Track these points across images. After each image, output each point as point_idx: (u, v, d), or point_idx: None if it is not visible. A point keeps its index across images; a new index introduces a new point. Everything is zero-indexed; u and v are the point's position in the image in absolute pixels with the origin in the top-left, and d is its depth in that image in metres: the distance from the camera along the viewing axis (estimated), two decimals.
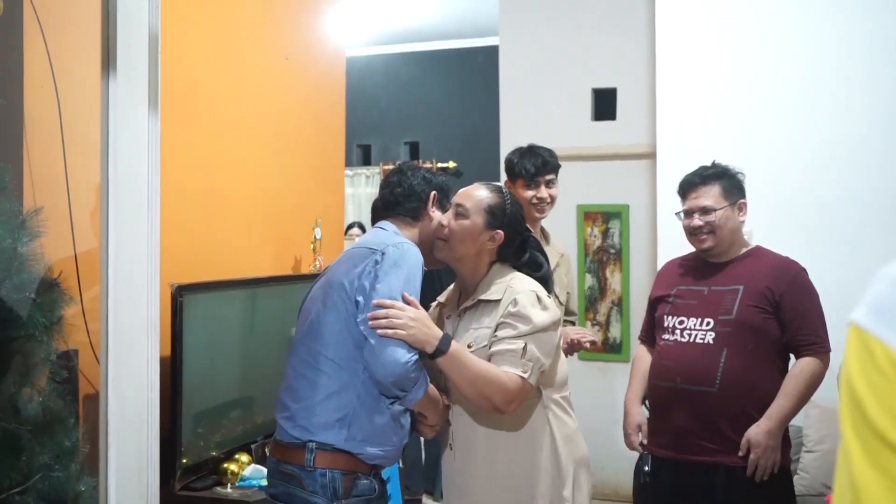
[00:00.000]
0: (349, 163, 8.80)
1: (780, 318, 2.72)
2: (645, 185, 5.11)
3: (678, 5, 4.53)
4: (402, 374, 2.11)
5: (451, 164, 8.61)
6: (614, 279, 5.27)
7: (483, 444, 2.27)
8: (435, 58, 8.62)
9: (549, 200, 3.18)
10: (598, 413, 4.82)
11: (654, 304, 3.01)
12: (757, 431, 2.66)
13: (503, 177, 5.62)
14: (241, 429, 3.34)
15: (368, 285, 2.17)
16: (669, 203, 4.40)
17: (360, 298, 2.17)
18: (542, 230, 3.29)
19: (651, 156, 5.27)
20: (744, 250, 2.89)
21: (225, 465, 3.09)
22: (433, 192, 2.43)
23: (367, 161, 9.09)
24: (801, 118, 4.21)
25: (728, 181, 2.86)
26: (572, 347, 3.04)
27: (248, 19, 3.74)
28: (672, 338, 2.85)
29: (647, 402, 2.97)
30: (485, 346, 2.22)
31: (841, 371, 0.72)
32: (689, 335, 2.80)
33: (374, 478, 2.24)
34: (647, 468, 2.87)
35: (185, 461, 2.93)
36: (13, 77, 2.29)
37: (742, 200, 2.87)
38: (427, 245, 2.38)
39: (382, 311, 2.09)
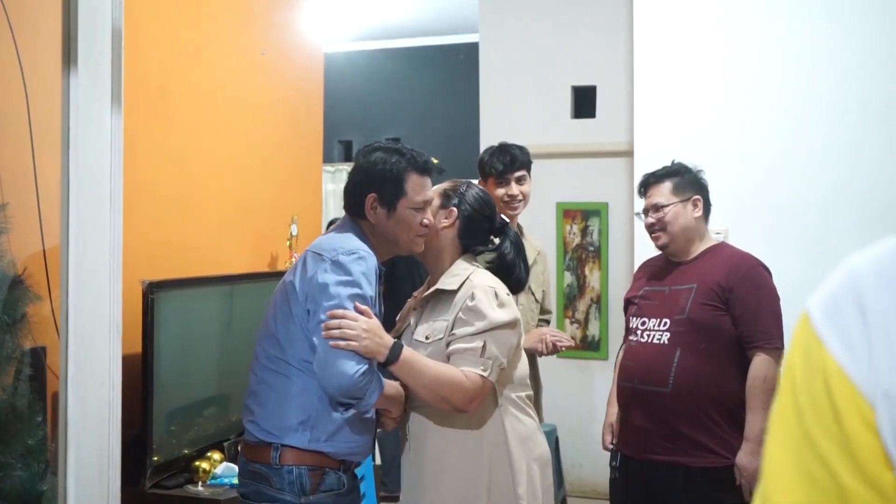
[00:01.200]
0: (330, 159, 8.77)
1: (731, 313, 2.72)
2: (624, 183, 5.12)
3: (656, 3, 4.52)
4: (349, 387, 2.07)
5: (434, 161, 8.61)
6: (593, 277, 5.28)
7: (434, 439, 2.26)
8: (417, 54, 8.60)
9: (520, 198, 3.17)
10: (576, 411, 4.83)
11: (626, 305, 3.04)
12: (741, 456, 2.65)
13: None
14: (215, 427, 3.32)
15: (318, 294, 2.12)
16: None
17: (310, 307, 2.13)
18: (518, 227, 3.28)
19: (631, 153, 5.28)
20: (706, 246, 2.88)
21: (197, 463, 3.07)
22: (371, 195, 2.23)
23: (348, 157, 9.06)
24: (776, 116, 4.22)
25: (680, 178, 2.87)
26: (548, 349, 3.05)
27: (224, 14, 3.72)
28: (634, 339, 2.87)
29: None
30: (440, 339, 2.20)
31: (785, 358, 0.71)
32: (649, 336, 2.81)
33: (344, 472, 2.24)
34: (614, 463, 2.89)
35: (156, 459, 2.91)
36: None
37: (696, 196, 2.85)
38: (383, 239, 2.29)
39: (335, 322, 2.05)
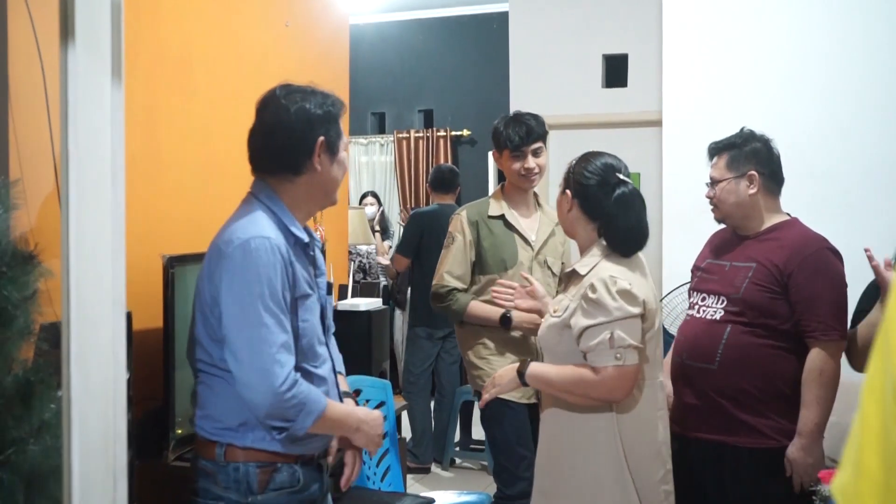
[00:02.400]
0: (363, 131, 8.74)
1: (789, 299, 2.58)
2: (656, 153, 5.02)
3: None
4: (275, 404, 1.89)
5: (466, 132, 8.54)
6: None
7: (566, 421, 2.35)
8: (448, 24, 8.52)
9: (537, 171, 3.12)
10: None
11: (692, 275, 2.94)
12: (792, 450, 2.56)
13: None
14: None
15: (221, 298, 1.93)
16: (676, 172, 4.33)
17: (216, 312, 1.95)
18: (535, 195, 3.29)
19: (658, 122, 5.17)
20: (771, 223, 2.74)
21: None
22: (320, 140, 2.02)
23: (381, 129, 9.03)
24: (810, 86, 4.08)
25: (738, 151, 2.73)
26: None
27: None
28: (690, 313, 2.78)
29: None
30: (564, 316, 2.29)
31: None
32: (704, 311, 2.71)
33: (302, 466, 2.06)
34: None
35: (179, 432, 2.92)
36: None
37: (751, 171, 2.71)
38: (315, 194, 2.09)
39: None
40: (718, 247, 2.84)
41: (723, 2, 4.27)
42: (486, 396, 2.45)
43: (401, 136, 8.72)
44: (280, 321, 1.95)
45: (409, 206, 8.54)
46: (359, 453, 2.24)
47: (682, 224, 4.21)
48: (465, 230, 3.21)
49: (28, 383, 2.11)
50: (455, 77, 8.56)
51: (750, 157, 2.73)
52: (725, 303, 2.65)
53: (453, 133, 8.56)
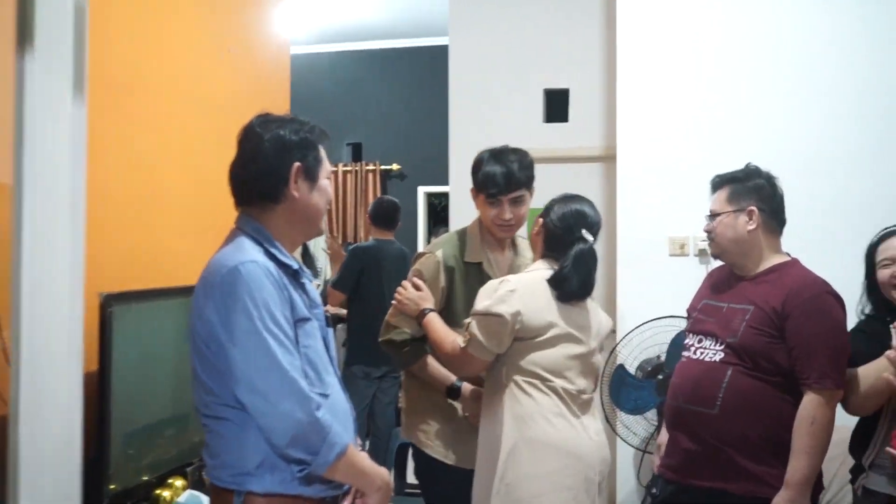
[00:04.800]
0: None
1: (786, 344, 2.48)
2: (598, 190, 4.98)
3: (639, 4, 4.37)
4: (298, 426, 1.80)
5: (395, 167, 8.41)
6: None
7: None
8: (380, 57, 8.41)
9: (513, 222, 2.74)
10: None
11: (688, 315, 2.83)
12: (777, 501, 2.42)
13: (452, 179, 5.50)
14: (177, 449, 3.08)
15: (218, 329, 1.83)
16: (630, 208, 4.25)
17: (214, 348, 1.84)
18: (513, 241, 2.95)
19: (604, 158, 5.14)
20: (771, 264, 2.63)
21: (158, 491, 2.83)
22: (296, 165, 1.96)
23: None
24: (766, 118, 4.08)
25: (740, 185, 2.64)
26: None
27: (188, 9, 3.49)
28: (687, 354, 2.66)
29: None
30: None
31: None
32: (702, 353, 2.60)
33: None
34: (654, 490, 2.70)
35: (113, 487, 2.67)
36: None
37: (751, 207, 2.61)
38: (298, 222, 2.01)
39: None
40: (716, 286, 2.74)
41: (676, 35, 4.24)
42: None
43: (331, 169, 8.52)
44: (284, 344, 1.85)
45: (334, 233, 8.32)
46: None
47: (637, 261, 4.16)
48: (440, 276, 2.79)
49: None
50: (385, 110, 8.44)
51: (752, 192, 2.64)
52: (723, 345, 2.55)
53: (382, 167, 8.42)
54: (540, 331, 2.49)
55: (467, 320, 2.54)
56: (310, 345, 1.94)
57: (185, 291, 3.14)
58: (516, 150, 2.79)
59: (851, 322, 2.61)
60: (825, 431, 2.42)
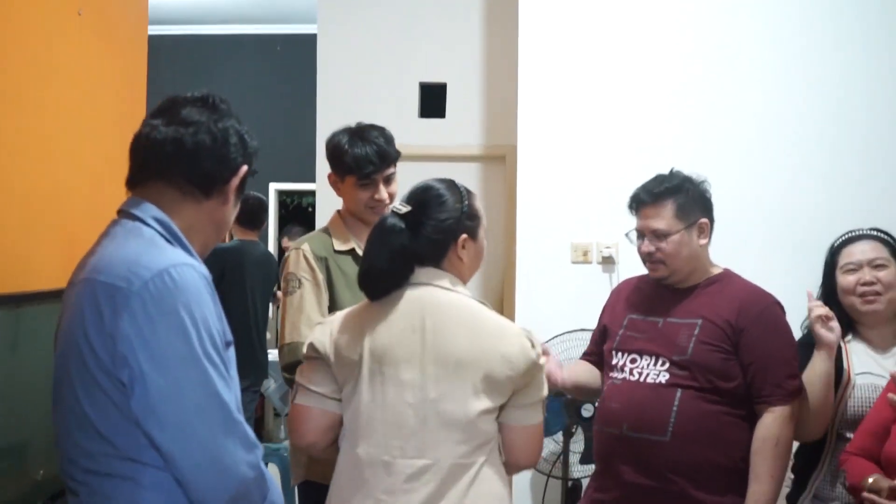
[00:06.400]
0: None
1: (739, 360, 2.31)
2: (475, 189, 4.72)
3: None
4: (244, 481, 1.45)
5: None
6: None
7: None
8: (230, 43, 7.84)
9: (388, 201, 2.58)
10: None
11: (601, 332, 2.58)
12: None
13: (319, 176, 5.10)
14: (15, 488, 2.55)
15: (136, 354, 1.40)
16: (530, 210, 3.95)
17: (125, 378, 1.41)
18: None
19: (483, 158, 4.92)
20: (710, 274, 2.46)
21: None
22: (244, 167, 1.66)
23: None
24: (678, 116, 3.86)
25: (684, 197, 2.41)
26: None
27: None
28: (621, 376, 2.39)
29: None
30: None
31: None
32: (640, 374, 2.35)
33: None
34: None
35: None
36: None
37: (703, 220, 2.42)
38: (213, 228, 1.66)
39: None
40: (641, 301, 2.51)
41: (581, 27, 3.94)
42: None
43: None
44: (224, 375, 1.47)
45: None
46: None
47: (537, 268, 3.87)
48: (314, 268, 2.57)
49: None
50: (235, 102, 7.87)
51: (698, 202, 2.43)
52: (667, 364, 2.33)
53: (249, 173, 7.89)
54: (350, 367, 2.04)
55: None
56: (233, 376, 1.55)
57: (18, 300, 2.63)
58: (374, 126, 2.64)
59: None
60: (788, 452, 2.31)
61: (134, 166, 1.62)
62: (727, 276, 2.48)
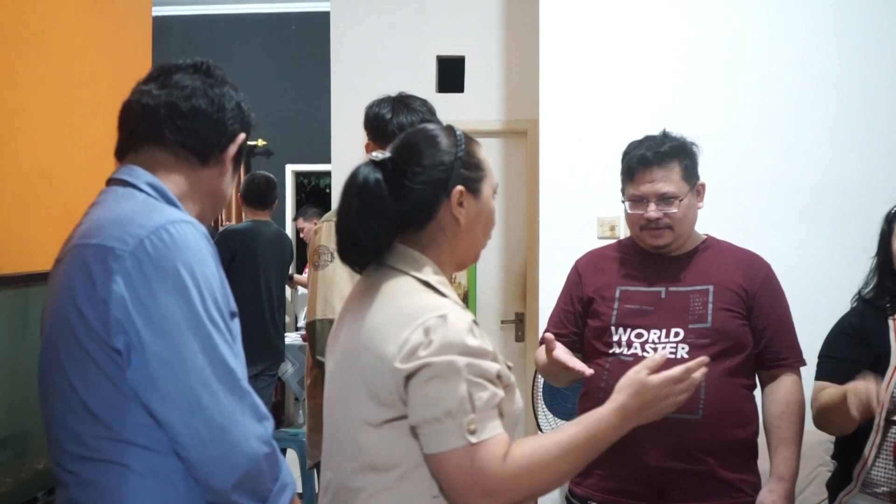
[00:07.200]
0: None
1: (752, 324, 2.20)
2: (496, 165, 4.57)
3: None
4: (254, 457, 1.30)
5: (261, 143, 7.76)
6: (460, 272, 4.71)
7: None
8: (244, 22, 7.69)
9: None
10: None
11: (588, 305, 2.34)
12: (774, 499, 2.11)
13: (335, 156, 4.97)
14: (14, 479, 2.44)
15: (132, 318, 1.26)
16: (553, 183, 3.76)
17: (119, 345, 1.27)
18: None
19: (504, 133, 4.77)
20: (699, 241, 2.33)
21: None
22: (242, 135, 1.55)
23: None
24: (702, 88, 3.64)
25: (689, 158, 2.25)
26: None
27: None
28: (629, 352, 2.20)
29: None
30: None
31: None
32: (654, 349, 2.17)
33: None
34: None
35: None
36: None
37: (700, 182, 2.28)
38: (209, 198, 1.53)
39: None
40: (629, 272, 2.31)
41: (599, 4, 3.79)
42: None
43: None
44: (230, 343, 1.33)
45: None
46: None
47: (561, 245, 3.67)
48: None
49: None
50: (250, 82, 7.75)
51: (696, 164, 2.29)
52: (682, 335, 2.17)
53: (247, 143, 7.75)
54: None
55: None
56: (239, 352, 1.39)
57: (20, 280, 2.52)
58: (415, 96, 2.54)
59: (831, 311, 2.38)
60: (803, 413, 2.24)
61: (124, 134, 1.50)
62: (714, 240, 2.36)
